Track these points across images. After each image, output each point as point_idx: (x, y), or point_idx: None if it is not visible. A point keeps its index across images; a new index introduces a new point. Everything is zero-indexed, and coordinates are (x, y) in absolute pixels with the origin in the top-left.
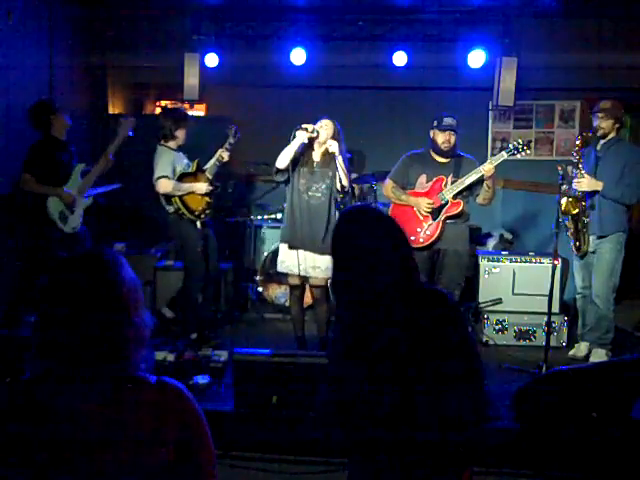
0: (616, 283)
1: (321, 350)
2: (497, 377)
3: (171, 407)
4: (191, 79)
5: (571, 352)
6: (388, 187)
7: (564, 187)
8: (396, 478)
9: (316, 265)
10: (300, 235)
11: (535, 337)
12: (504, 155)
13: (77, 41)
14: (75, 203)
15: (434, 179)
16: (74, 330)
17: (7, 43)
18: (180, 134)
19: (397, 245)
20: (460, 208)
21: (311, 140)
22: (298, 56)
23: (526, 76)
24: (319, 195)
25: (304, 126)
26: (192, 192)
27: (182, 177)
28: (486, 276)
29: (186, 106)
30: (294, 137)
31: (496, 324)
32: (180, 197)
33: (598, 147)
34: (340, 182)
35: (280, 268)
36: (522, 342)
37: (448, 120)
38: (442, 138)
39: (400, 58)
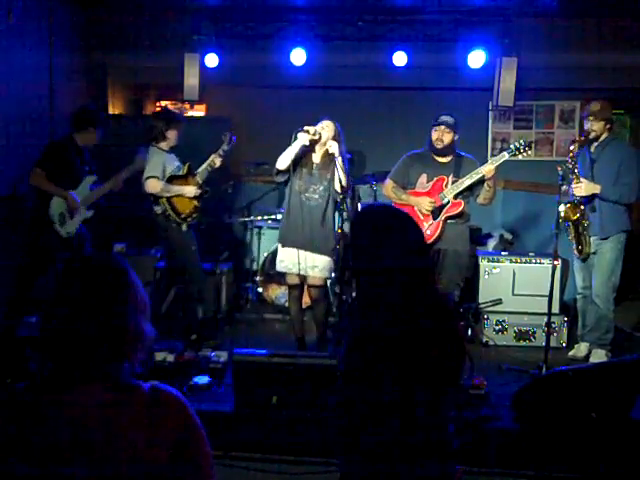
0: (616, 283)
1: (319, 350)
2: (497, 377)
3: (165, 413)
4: (191, 79)
5: (571, 352)
6: (388, 187)
7: (564, 187)
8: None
9: (315, 265)
10: (297, 236)
11: (535, 337)
12: (505, 156)
13: (77, 41)
14: (77, 210)
15: (435, 179)
16: (77, 332)
17: (7, 43)
18: (171, 135)
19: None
20: (461, 208)
21: (312, 142)
22: (298, 56)
23: (526, 76)
24: (316, 197)
25: (306, 128)
26: (181, 195)
27: (172, 179)
28: (486, 276)
29: (186, 106)
30: (295, 139)
31: (496, 324)
32: (168, 199)
33: (592, 149)
34: (340, 183)
35: (279, 267)
36: (522, 342)
37: (443, 117)
38: (435, 135)
39: (400, 58)
